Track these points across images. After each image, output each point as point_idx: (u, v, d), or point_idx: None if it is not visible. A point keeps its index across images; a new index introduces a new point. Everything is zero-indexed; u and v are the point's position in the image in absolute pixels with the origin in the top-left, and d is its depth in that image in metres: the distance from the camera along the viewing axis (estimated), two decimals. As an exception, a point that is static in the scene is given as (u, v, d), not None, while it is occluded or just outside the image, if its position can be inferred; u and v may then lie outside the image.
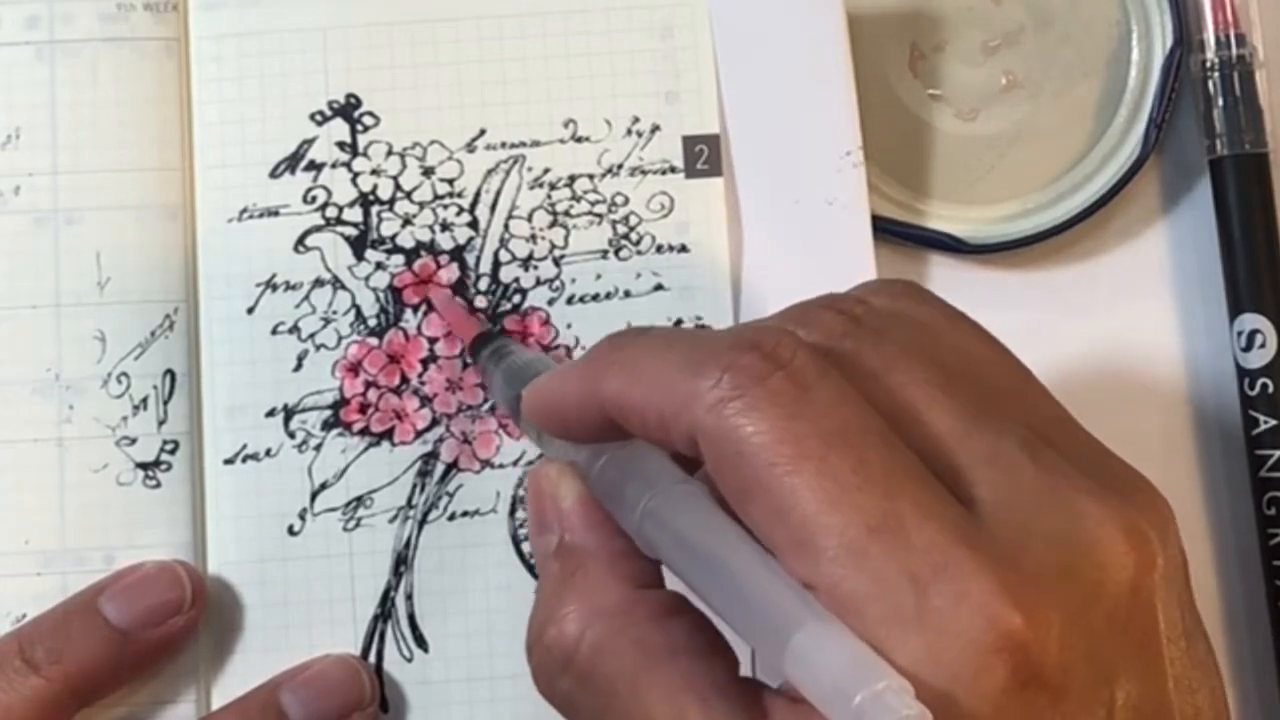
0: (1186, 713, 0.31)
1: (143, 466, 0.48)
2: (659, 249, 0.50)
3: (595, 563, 0.35)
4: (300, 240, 0.50)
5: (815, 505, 0.29)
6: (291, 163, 0.50)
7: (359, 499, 0.49)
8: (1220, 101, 0.52)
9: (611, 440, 0.36)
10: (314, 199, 0.50)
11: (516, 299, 0.50)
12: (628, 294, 0.50)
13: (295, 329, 0.49)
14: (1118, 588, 0.30)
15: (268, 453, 0.49)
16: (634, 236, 0.50)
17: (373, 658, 0.48)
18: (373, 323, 0.49)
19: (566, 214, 0.50)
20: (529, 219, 0.50)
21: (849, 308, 0.34)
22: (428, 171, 0.50)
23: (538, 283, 0.50)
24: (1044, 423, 0.33)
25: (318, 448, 0.49)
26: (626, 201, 0.50)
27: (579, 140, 0.50)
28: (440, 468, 0.49)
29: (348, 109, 0.50)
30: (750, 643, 0.31)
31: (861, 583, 0.29)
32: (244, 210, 0.50)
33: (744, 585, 0.31)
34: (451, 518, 0.48)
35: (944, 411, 0.32)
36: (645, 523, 0.34)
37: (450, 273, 0.50)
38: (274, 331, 0.49)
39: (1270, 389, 0.50)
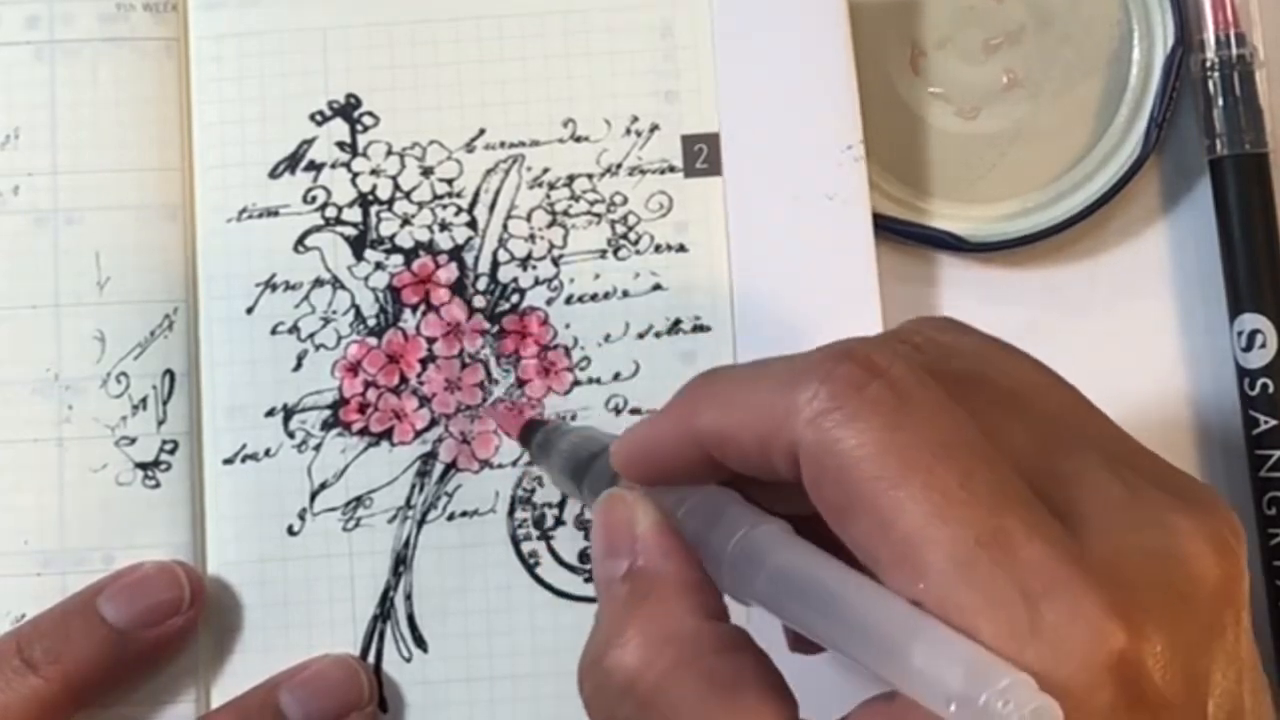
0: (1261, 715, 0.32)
1: (142, 466, 0.48)
2: (658, 249, 0.50)
3: (667, 589, 0.34)
4: (300, 240, 0.50)
5: (922, 519, 0.29)
6: (291, 163, 0.50)
7: (358, 499, 0.49)
8: (1220, 101, 0.51)
9: (705, 481, 0.35)
10: (314, 199, 0.50)
11: (515, 299, 0.50)
12: (626, 294, 0.50)
13: (295, 329, 0.49)
14: (1211, 599, 0.30)
15: (267, 453, 0.49)
16: (633, 236, 0.50)
17: (372, 658, 0.48)
18: (372, 323, 0.49)
19: (565, 214, 0.50)
20: (528, 219, 0.50)
21: (908, 338, 0.34)
22: (427, 171, 0.50)
23: (536, 282, 0.50)
24: (1112, 441, 0.33)
25: (317, 448, 0.49)
26: (625, 201, 0.50)
27: (578, 140, 0.50)
28: (439, 468, 0.49)
29: (348, 109, 0.50)
30: (865, 663, 0.30)
31: (972, 597, 0.29)
32: (244, 210, 0.50)
33: (852, 607, 0.30)
34: (450, 518, 0.49)
35: (1021, 432, 0.32)
36: (739, 558, 0.33)
37: (449, 272, 0.50)
38: (273, 331, 0.49)
39: (1270, 389, 0.50)
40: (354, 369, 0.49)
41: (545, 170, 0.50)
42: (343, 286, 0.50)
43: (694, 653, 0.33)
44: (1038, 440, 0.32)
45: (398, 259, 0.50)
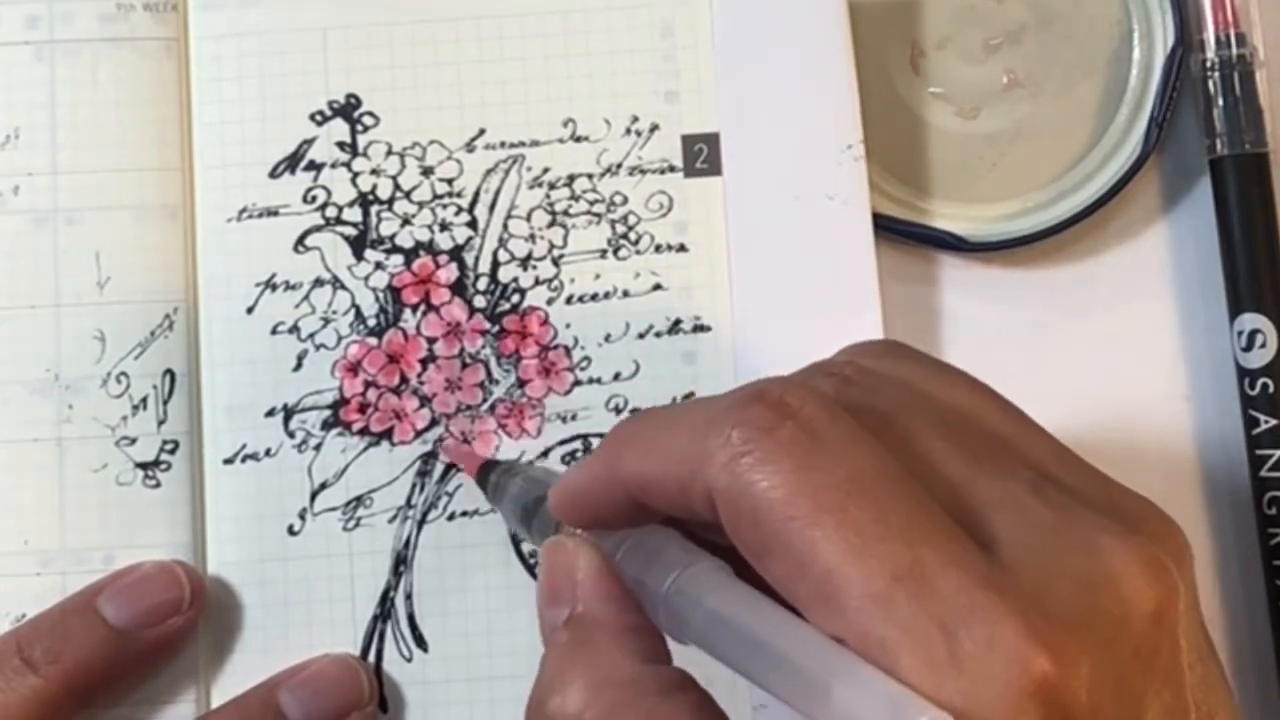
0: None
1: (142, 466, 0.48)
2: (658, 248, 0.50)
3: (606, 635, 0.35)
4: (300, 240, 0.50)
5: (837, 558, 0.29)
6: (291, 163, 0.50)
7: (358, 499, 0.49)
8: (1220, 101, 0.51)
9: (640, 523, 0.36)
10: (314, 199, 0.50)
11: (515, 299, 0.50)
12: (626, 294, 0.50)
13: (295, 329, 0.49)
14: (1142, 621, 0.30)
15: (267, 452, 0.49)
16: (633, 236, 0.50)
17: (372, 658, 0.48)
18: (372, 322, 0.49)
19: (565, 214, 0.50)
20: (528, 219, 0.50)
21: (838, 370, 0.34)
22: (427, 171, 0.50)
23: (536, 282, 0.50)
24: (1047, 462, 0.33)
25: (317, 447, 0.49)
26: (625, 201, 0.50)
27: (578, 140, 0.50)
28: (439, 467, 0.49)
29: (348, 109, 0.50)
30: (792, 704, 0.30)
31: (891, 631, 0.29)
32: (244, 210, 0.50)
33: (776, 646, 0.30)
34: (451, 517, 0.49)
35: (948, 459, 0.32)
36: (674, 600, 0.34)
37: (449, 272, 0.50)
38: (274, 331, 0.49)
39: (1270, 389, 0.50)
40: (354, 369, 0.49)
41: (545, 170, 0.50)
42: (343, 286, 0.50)
43: (632, 696, 0.33)
44: (966, 466, 0.31)
45: (398, 259, 0.50)
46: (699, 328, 0.49)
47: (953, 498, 0.31)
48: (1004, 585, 0.29)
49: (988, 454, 0.32)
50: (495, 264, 0.50)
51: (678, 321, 0.49)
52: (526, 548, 0.49)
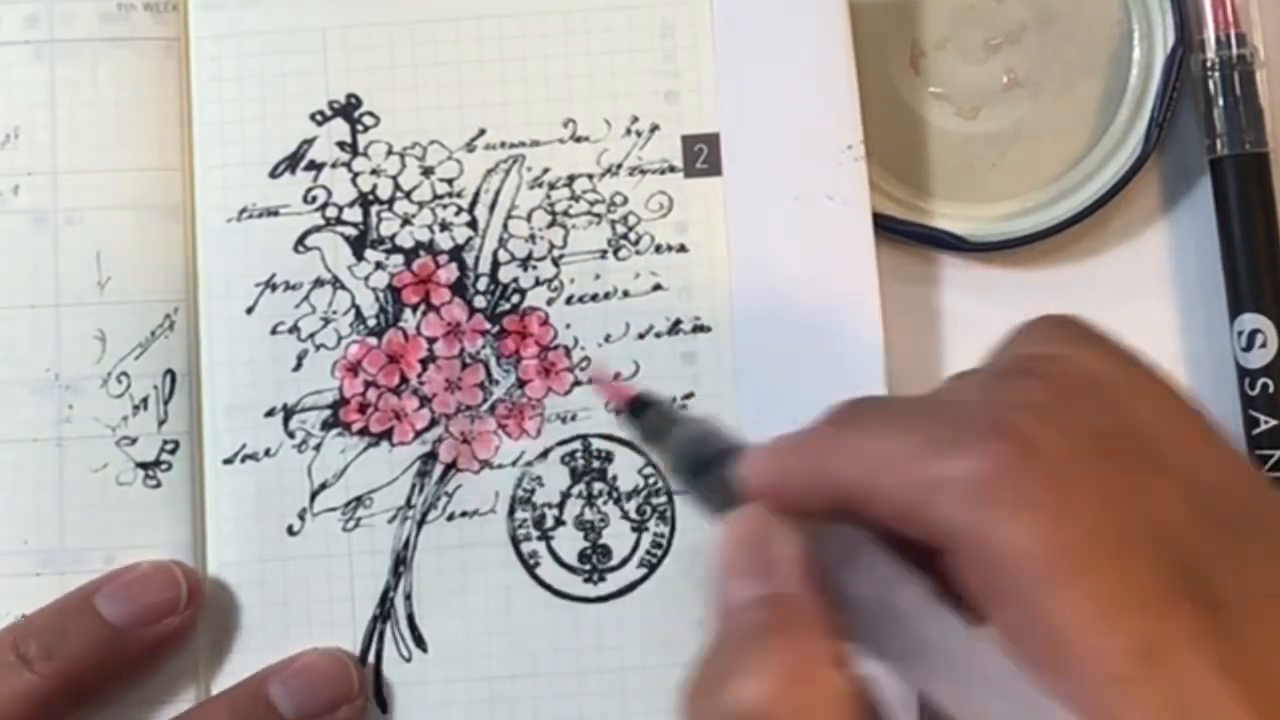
0: None
1: (142, 466, 0.48)
2: (658, 249, 0.50)
3: (811, 625, 0.32)
4: (300, 240, 0.50)
5: (1077, 625, 0.28)
6: (291, 163, 0.50)
7: (358, 499, 0.49)
8: (1220, 101, 0.51)
9: (841, 522, 0.33)
10: (314, 199, 0.50)
11: (515, 299, 0.50)
12: (626, 294, 0.50)
13: (295, 329, 0.49)
14: None
15: (267, 452, 0.49)
16: (633, 236, 0.50)
17: (372, 658, 0.48)
18: (372, 323, 0.49)
19: (565, 214, 0.50)
20: (528, 219, 0.50)
21: (1041, 368, 0.33)
22: (427, 171, 0.50)
23: (536, 282, 0.50)
24: (1235, 490, 0.31)
25: (317, 448, 0.49)
26: (625, 201, 0.50)
27: (578, 140, 0.50)
28: (439, 468, 0.49)
29: (348, 109, 0.50)
30: None
31: (1127, 712, 0.28)
32: (244, 210, 0.50)
33: (1000, 704, 0.30)
34: (450, 518, 0.49)
35: (1172, 497, 0.30)
36: (877, 617, 0.32)
37: (449, 273, 0.50)
38: (274, 331, 0.49)
39: (1270, 389, 0.50)
40: (354, 369, 0.49)
41: (545, 170, 0.50)
42: (343, 286, 0.50)
43: (831, 698, 0.30)
44: (1190, 510, 0.30)
45: (398, 259, 0.50)
46: (699, 328, 0.49)
47: (1180, 544, 0.29)
48: (1239, 668, 0.28)
49: (1211, 497, 0.30)
50: (495, 264, 0.50)
51: (678, 321, 0.49)
52: (526, 548, 0.48)
